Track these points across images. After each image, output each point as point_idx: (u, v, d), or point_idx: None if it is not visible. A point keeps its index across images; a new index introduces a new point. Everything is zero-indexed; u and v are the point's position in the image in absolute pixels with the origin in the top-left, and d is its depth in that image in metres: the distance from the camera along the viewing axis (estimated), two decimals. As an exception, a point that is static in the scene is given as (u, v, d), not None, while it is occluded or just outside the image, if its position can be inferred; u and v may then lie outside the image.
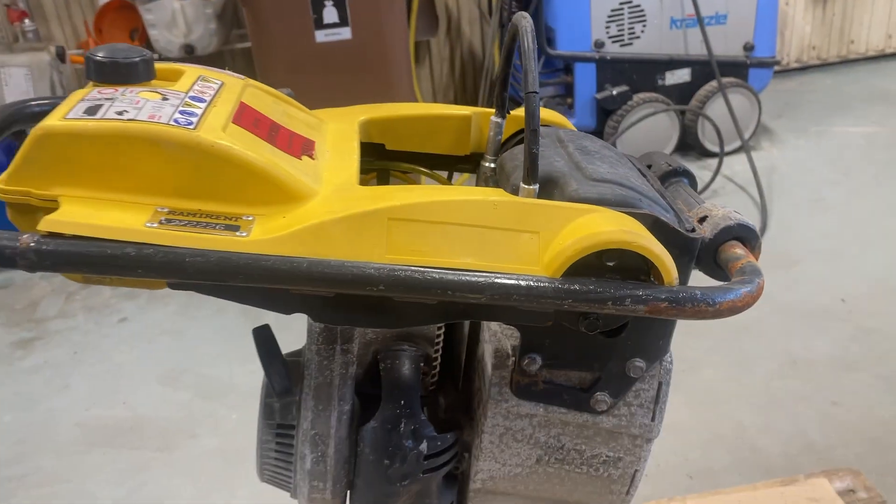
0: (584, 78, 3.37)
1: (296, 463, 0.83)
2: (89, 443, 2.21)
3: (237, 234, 0.63)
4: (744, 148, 3.34)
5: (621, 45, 3.37)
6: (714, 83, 3.44)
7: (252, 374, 2.37)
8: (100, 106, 0.67)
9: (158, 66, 0.75)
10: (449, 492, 0.88)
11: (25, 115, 0.82)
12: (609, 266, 0.65)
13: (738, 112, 3.41)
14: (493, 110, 0.89)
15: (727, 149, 3.53)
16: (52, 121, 0.64)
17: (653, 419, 0.80)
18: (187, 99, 0.71)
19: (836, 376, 2.14)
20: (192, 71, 0.78)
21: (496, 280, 0.63)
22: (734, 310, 0.65)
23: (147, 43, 3.43)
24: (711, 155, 3.53)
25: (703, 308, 0.64)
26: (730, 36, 3.47)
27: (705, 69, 3.45)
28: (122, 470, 2.09)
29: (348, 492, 0.84)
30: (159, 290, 0.71)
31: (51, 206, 0.65)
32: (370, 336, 0.82)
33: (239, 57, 4.08)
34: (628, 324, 0.73)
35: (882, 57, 4.72)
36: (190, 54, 3.41)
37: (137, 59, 0.72)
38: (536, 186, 0.69)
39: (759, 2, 3.44)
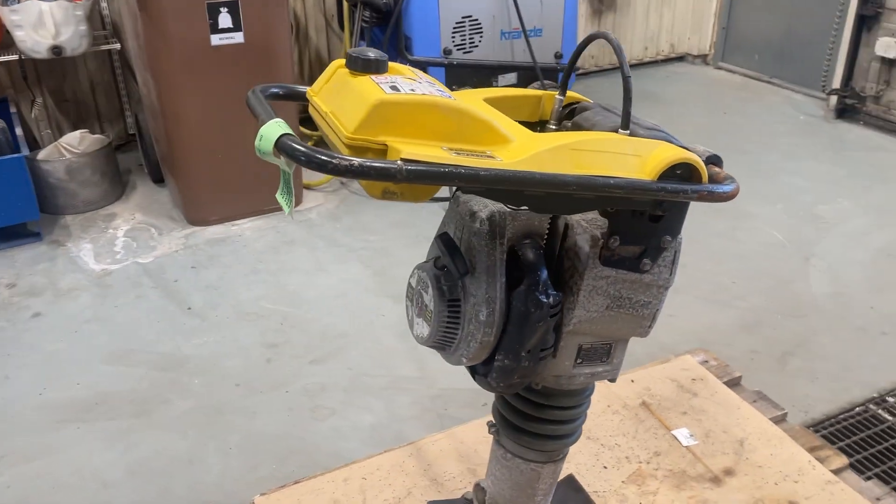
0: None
1: (467, 321, 1.27)
2: (58, 420, 2.33)
3: (497, 159, 1.08)
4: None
5: (464, 53, 3.98)
6: (535, 86, 4.17)
7: (201, 347, 2.63)
8: (395, 85, 1.09)
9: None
10: (552, 333, 1.37)
11: (271, 94, 1.20)
12: (677, 173, 1.20)
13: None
14: (555, 93, 1.40)
15: (546, 139, 4.30)
16: (380, 95, 1.05)
17: (671, 274, 1.36)
18: (428, 84, 1.14)
19: (669, 297, 2.89)
20: (396, 66, 1.20)
21: (633, 182, 1.14)
22: (733, 196, 1.23)
23: (12, 43, 3.40)
24: (536, 144, 4.27)
25: (721, 195, 1.21)
26: (544, 46, 4.22)
27: (528, 74, 4.18)
28: (106, 437, 2.26)
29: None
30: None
31: (380, 147, 1.06)
32: (509, 233, 1.29)
33: (91, 59, 4.10)
34: (666, 212, 1.28)
35: (641, 64, 5.84)
36: (58, 55, 3.43)
37: (384, 59, 1.14)
38: (629, 131, 1.22)
39: (564, 18, 4.24)
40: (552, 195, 1.15)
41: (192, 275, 3.12)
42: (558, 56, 4.27)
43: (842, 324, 2.77)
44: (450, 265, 1.27)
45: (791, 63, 5.17)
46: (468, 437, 2.00)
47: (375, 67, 1.13)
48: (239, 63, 3.24)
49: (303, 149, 0.97)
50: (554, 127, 1.41)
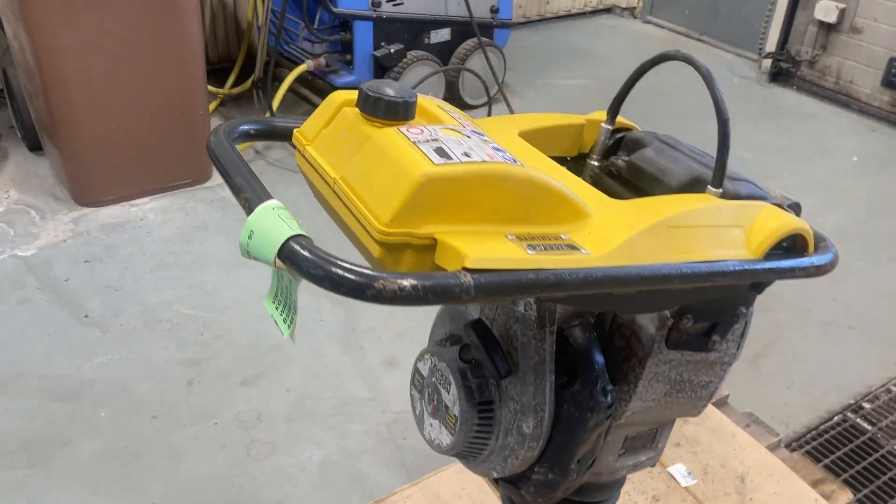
0: (363, 35, 3.50)
1: (505, 432, 0.97)
2: (-73, 476, 1.88)
3: (583, 252, 0.77)
4: (492, 101, 3.78)
5: (394, 6, 3.55)
6: (471, 41, 3.81)
7: (105, 367, 2.21)
8: (439, 146, 0.74)
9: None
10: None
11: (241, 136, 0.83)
12: (783, 245, 0.92)
13: (487, 68, 3.84)
14: (599, 117, 1.09)
15: (477, 103, 3.98)
16: (426, 167, 0.70)
17: (738, 349, 1.11)
18: (475, 134, 0.80)
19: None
20: (426, 103, 0.85)
21: (743, 266, 0.86)
22: (832, 268, 0.97)
23: None
24: (469, 107, 3.94)
25: (826, 268, 0.95)
26: (479, 0, 3.85)
27: (462, 29, 3.80)
28: (-8, 496, 1.85)
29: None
30: None
31: (425, 242, 0.72)
32: (559, 315, 0.99)
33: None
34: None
35: (568, 16, 5.55)
36: None
37: (413, 99, 0.79)
38: (721, 190, 0.93)
39: (501, -32, 3.87)
40: (645, 292, 0.85)
41: (85, 271, 2.64)
42: (494, 10, 3.91)
43: (808, 318, 2.65)
44: (487, 365, 0.96)
45: (723, 21, 5.01)
46: (445, 491, 1.73)
47: (404, 114, 0.78)
48: (133, 8, 2.71)
49: (332, 267, 0.63)
50: (596, 163, 1.10)
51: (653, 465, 1.23)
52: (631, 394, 1.04)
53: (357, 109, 0.80)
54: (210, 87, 3.64)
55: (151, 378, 2.21)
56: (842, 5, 4.08)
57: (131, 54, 2.81)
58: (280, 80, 3.56)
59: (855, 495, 1.98)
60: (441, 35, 3.80)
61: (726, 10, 4.98)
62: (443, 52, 3.82)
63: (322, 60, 3.55)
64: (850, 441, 2.18)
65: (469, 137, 0.79)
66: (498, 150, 0.78)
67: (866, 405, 2.31)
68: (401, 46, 3.58)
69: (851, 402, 2.32)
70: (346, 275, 0.63)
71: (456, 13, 3.76)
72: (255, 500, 1.88)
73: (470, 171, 0.72)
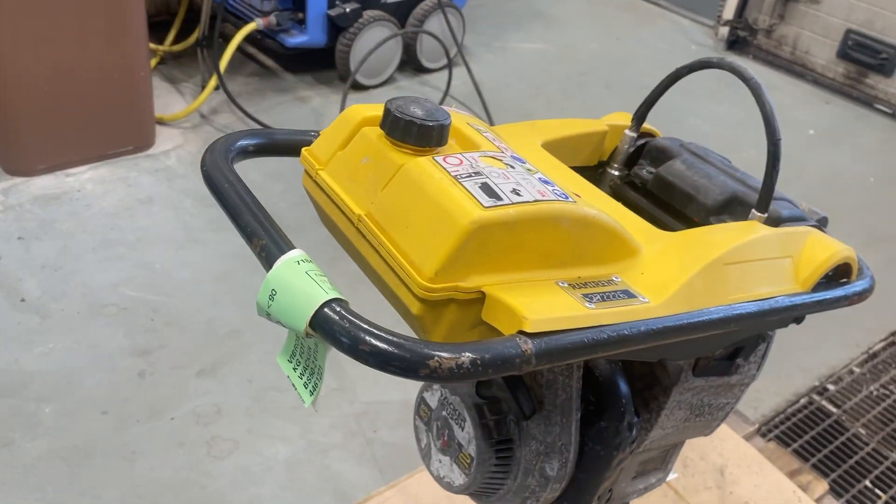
0: (316, -7, 3.30)
1: (525, 472, 0.89)
2: None
3: (641, 300, 0.68)
4: (452, 64, 3.64)
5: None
6: (429, 1, 3.64)
7: (47, 357, 2.04)
8: (485, 181, 0.64)
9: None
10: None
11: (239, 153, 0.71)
12: (829, 273, 0.86)
13: (447, 30, 3.68)
14: (622, 123, 0.99)
15: (436, 66, 3.83)
16: (476, 212, 0.60)
17: (758, 369, 1.05)
18: (516, 161, 0.70)
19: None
20: (457, 121, 0.74)
21: (794, 301, 0.79)
22: (871, 293, 0.91)
23: None
24: (426, 71, 3.79)
25: (865, 294, 0.89)
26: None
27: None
28: (-75, 507, 1.68)
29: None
30: None
31: (472, 296, 0.62)
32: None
33: None
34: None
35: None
36: None
37: (447, 122, 0.68)
38: (766, 215, 0.85)
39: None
40: (700, 336, 0.77)
41: (19, 249, 2.43)
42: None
43: (772, 297, 2.66)
44: (510, 404, 0.87)
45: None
46: (424, 493, 1.66)
47: (438, 139, 0.67)
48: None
49: (379, 343, 0.53)
50: (617, 173, 1.01)
51: (660, 485, 1.18)
52: (653, 423, 0.97)
53: (380, 131, 0.69)
54: (153, 45, 3.39)
55: (99, 369, 2.06)
56: (802, -25, 4.05)
57: (64, 9, 2.56)
58: (227, 39, 3.33)
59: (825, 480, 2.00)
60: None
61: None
62: (400, 12, 3.63)
63: (272, 18, 3.32)
64: (817, 424, 2.20)
65: (512, 167, 0.68)
66: (546, 182, 0.68)
67: (830, 387, 2.34)
68: (357, 5, 3.39)
69: (816, 384, 2.34)
70: (396, 351, 0.53)
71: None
72: (218, 501, 1.77)
73: (524, 214, 0.62)
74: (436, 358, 0.53)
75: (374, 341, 0.52)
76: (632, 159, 1.01)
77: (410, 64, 3.80)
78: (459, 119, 0.76)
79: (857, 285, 0.88)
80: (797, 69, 4.28)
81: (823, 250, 0.84)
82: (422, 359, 0.52)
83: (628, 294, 0.68)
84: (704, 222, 0.90)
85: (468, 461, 0.91)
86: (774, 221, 0.87)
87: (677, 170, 0.95)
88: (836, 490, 1.99)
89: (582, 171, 1.00)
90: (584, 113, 3.64)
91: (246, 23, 3.31)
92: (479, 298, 0.62)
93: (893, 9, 3.82)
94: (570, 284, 0.66)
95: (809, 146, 3.69)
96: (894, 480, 2.04)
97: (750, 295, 0.77)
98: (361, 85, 3.55)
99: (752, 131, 3.69)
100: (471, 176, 0.64)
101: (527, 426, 0.88)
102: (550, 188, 0.67)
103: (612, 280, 0.69)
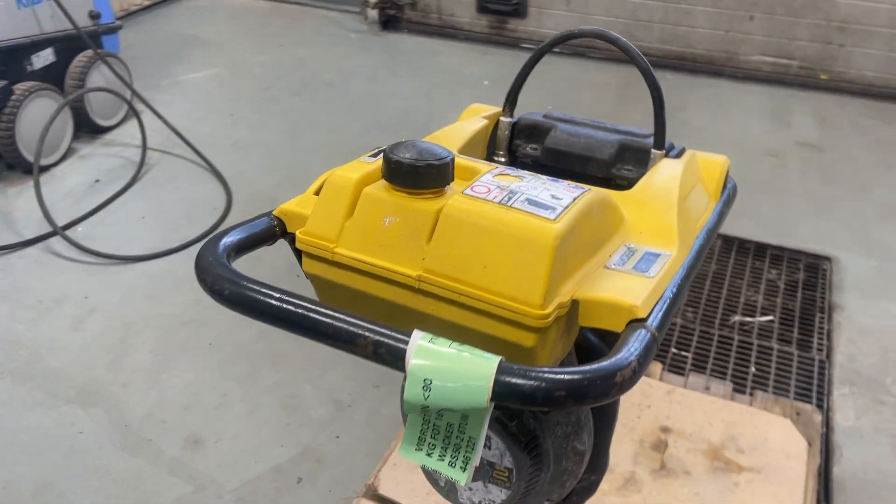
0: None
1: (557, 458, 0.91)
2: None
3: (666, 255, 0.73)
4: (137, 113, 3.34)
5: (-23, 35, 2.87)
6: (83, 56, 3.29)
7: None
8: (529, 199, 0.64)
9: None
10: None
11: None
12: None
13: (115, 80, 3.38)
14: (490, 113, 1.03)
15: (112, 122, 3.49)
16: (551, 227, 0.61)
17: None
18: (514, 170, 0.71)
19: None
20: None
21: (721, 210, 0.91)
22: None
23: None
24: (105, 130, 3.44)
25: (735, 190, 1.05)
26: (72, 8, 3.31)
27: (67, 44, 3.26)
28: None
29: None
30: None
31: (567, 308, 0.62)
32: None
33: None
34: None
35: (155, 5, 5.09)
36: None
37: (452, 156, 0.67)
38: (664, 151, 0.95)
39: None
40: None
41: None
42: (94, 16, 3.42)
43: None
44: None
45: (315, -19, 5.05)
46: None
47: (452, 174, 0.65)
48: None
49: (575, 377, 0.51)
50: (504, 159, 1.06)
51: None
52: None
53: (385, 185, 0.64)
54: None
55: None
56: (424, -53, 4.40)
57: None
58: None
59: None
60: (45, 58, 3.20)
61: (314, -31, 5.03)
62: (52, 76, 3.23)
63: None
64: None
65: (524, 178, 0.68)
66: (555, 180, 0.69)
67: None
68: (4, 82, 2.94)
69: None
70: (586, 382, 0.52)
71: (53, 29, 3.19)
72: None
73: (580, 213, 0.63)
74: (618, 374, 0.53)
75: (565, 378, 0.51)
76: (510, 143, 1.05)
77: (85, 127, 3.41)
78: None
79: (731, 183, 1.03)
80: (449, 32, 4.67)
81: (716, 164, 0.97)
82: (609, 378, 0.52)
83: (654, 254, 0.73)
84: (607, 176, 0.99)
85: (506, 475, 0.90)
86: (666, 155, 0.98)
87: (562, 138, 1.02)
88: (663, 363, 2.31)
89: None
90: (291, 125, 3.61)
91: None
92: (572, 308, 0.62)
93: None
94: (613, 265, 0.69)
95: (492, 97, 4.07)
96: (690, 341, 2.42)
97: (700, 218, 0.87)
98: (41, 167, 3.11)
99: (446, 97, 3.97)
100: (510, 197, 0.63)
101: (546, 416, 0.90)
102: (565, 185, 0.69)
103: (631, 248, 0.74)
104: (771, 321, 2.48)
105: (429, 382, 0.52)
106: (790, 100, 4.03)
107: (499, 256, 0.59)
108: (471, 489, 0.94)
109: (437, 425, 0.57)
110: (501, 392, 0.51)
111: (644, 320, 0.60)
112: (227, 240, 0.69)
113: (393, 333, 0.55)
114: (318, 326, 0.57)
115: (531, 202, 0.63)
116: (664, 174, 0.90)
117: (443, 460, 0.58)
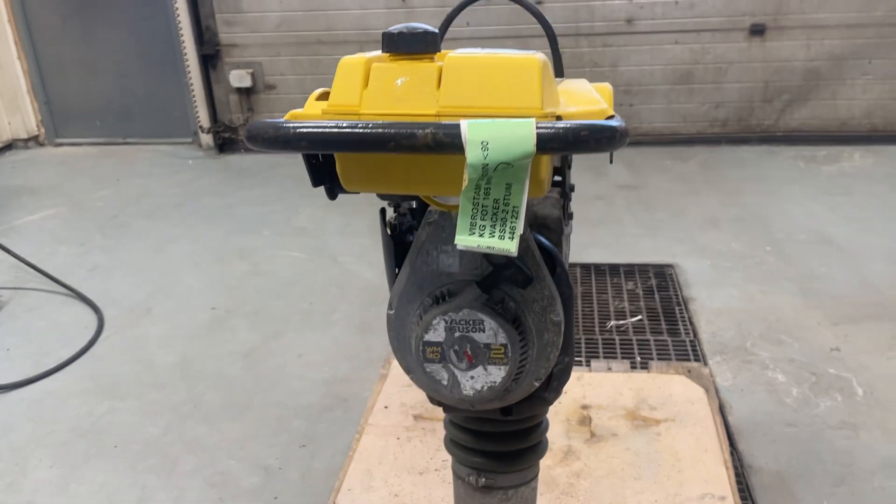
0: None
1: (539, 334, 1.05)
2: None
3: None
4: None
5: None
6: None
7: None
8: (503, 51, 0.81)
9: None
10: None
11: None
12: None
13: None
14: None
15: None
16: (535, 54, 0.78)
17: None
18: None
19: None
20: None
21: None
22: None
23: None
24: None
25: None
26: None
27: None
28: None
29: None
30: None
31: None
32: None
33: None
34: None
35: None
36: None
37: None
38: (563, 77, 1.18)
39: None
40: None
41: None
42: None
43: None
44: (515, 279, 1.03)
45: (142, 119, 5.12)
46: None
47: (439, 43, 0.82)
48: None
49: (601, 122, 0.68)
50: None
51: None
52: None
53: (390, 56, 0.79)
54: None
55: None
56: (250, 70, 4.65)
57: None
58: None
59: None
60: None
61: (139, 108, 5.10)
62: None
63: None
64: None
65: (486, 48, 0.86)
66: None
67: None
68: None
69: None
70: (602, 126, 0.68)
71: None
72: None
73: (543, 57, 0.82)
74: (619, 127, 0.70)
75: (587, 123, 0.67)
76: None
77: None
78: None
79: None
80: (286, 145, 4.88)
81: (605, 88, 1.20)
82: (614, 129, 0.69)
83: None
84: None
85: (502, 351, 1.03)
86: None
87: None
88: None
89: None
90: (150, 243, 3.57)
91: None
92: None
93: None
94: (571, 108, 0.87)
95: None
96: (580, 346, 2.64)
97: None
98: None
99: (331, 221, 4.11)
100: (488, 52, 0.80)
101: (523, 296, 1.05)
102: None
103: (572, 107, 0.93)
104: (641, 320, 2.77)
105: (486, 143, 0.66)
106: (602, 157, 4.59)
107: (500, 82, 0.75)
108: (471, 377, 1.05)
109: (484, 205, 0.70)
110: (543, 137, 0.66)
111: (613, 116, 0.78)
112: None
113: (444, 122, 0.69)
114: (381, 137, 0.69)
115: (505, 52, 0.81)
116: (572, 81, 1.11)
117: (493, 236, 0.71)
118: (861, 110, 4.49)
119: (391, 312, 1.10)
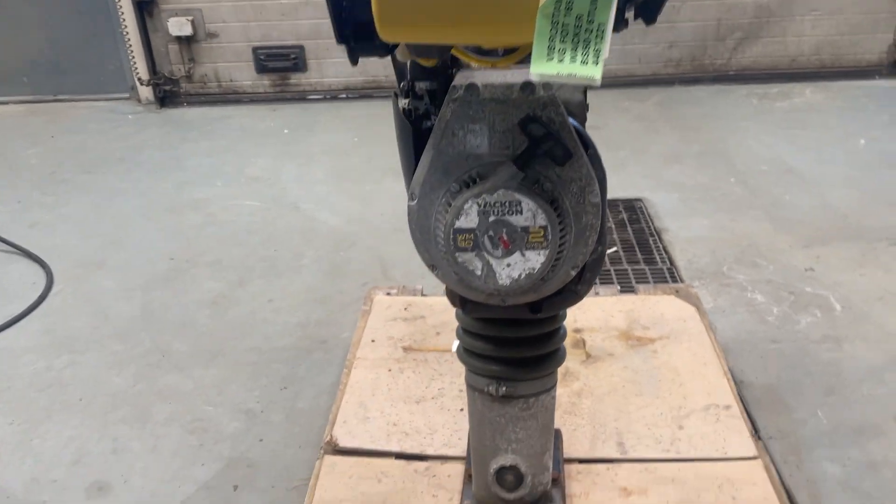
0: None
1: (577, 216, 0.98)
2: None
3: None
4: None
5: None
6: None
7: None
8: None
9: None
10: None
11: None
12: None
13: None
14: None
15: None
16: None
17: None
18: None
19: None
20: None
21: None
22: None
23: None
24: None
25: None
26: None
27: None
28: None
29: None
30: None
31: None
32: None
33: None
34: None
35: None
36: None
37: None
38: None
39: None
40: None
41: None
42: None
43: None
44: (554, 154, 0.95)
45: (74, 75, 4.79)
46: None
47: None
48: None
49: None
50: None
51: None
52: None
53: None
54: None
55: None
56: (190, 17, 4.40)
57: None
58: None
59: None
60: None
61: (69, 62, 4.78)
62: None
63: None
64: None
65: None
66: None
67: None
68: None
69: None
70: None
71: None
72: None
73: None
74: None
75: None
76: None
77: None
78: None
79: None
80: (232, 97, 4.67)
81: None
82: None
83: None
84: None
85: (542, 234, 0.95)
86: None
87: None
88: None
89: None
90: (94, 197, 3.36)
91: None
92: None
93: (279, 18, 4.46)
94: None
95: (294, 140, 4.09)
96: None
97: None
98: None
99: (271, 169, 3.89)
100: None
101: (559, 176, 0.97)
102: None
103: None
104: (616, 251, 2.74)
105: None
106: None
107: None
108: (508, 265, 0.97)
109: (565, 24, 0.62)
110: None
111: None
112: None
113: None
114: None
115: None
116: None
117: (574, 61, 0.63)
118: (810, 46, 4.53)
119: (412, 203, 1.01)
